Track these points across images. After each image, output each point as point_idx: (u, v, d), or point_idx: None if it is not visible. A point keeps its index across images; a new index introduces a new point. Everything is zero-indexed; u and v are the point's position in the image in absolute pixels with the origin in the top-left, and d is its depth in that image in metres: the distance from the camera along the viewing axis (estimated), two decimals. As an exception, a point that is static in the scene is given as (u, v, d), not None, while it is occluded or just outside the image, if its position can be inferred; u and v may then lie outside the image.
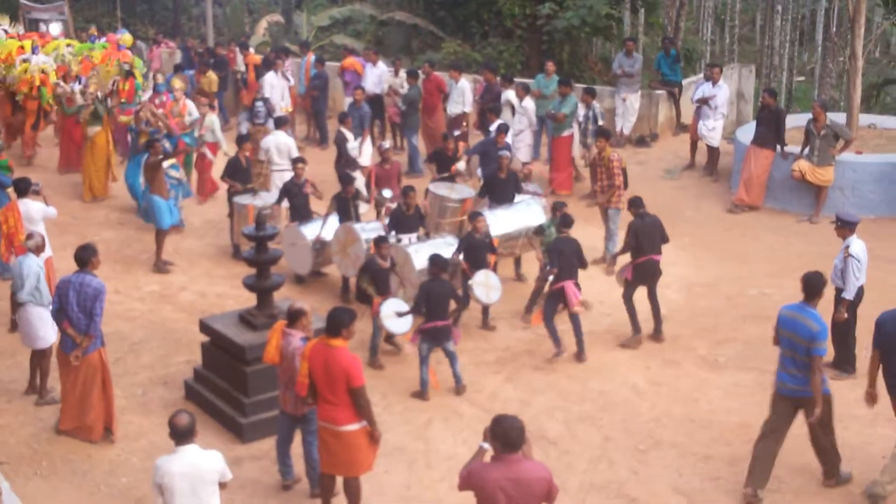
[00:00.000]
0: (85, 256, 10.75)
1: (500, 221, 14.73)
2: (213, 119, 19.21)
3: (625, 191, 15.45)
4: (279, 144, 17.30)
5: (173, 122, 18.58)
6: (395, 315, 12.33)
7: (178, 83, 19.96)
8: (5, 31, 22.14)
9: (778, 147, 17.99)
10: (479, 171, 16.80)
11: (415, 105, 20.71)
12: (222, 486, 7.97)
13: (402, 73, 21.64)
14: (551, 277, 12.81)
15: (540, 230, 14.20)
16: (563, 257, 12.73)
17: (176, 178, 17.07)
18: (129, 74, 20.70)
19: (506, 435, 6.96)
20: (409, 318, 12.42)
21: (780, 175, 17.99)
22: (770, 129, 17.96)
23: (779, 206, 18.12)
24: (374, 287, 12.74)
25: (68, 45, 21.71)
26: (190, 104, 19.22)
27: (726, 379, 12.46)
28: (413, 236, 14.29)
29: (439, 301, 12.01)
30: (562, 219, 13.21)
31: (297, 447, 10.02)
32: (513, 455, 7.00)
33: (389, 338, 13.10)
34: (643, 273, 13.15)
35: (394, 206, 14.82)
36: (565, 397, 12.00)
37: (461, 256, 13.50)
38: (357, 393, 8.88)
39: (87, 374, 10.86)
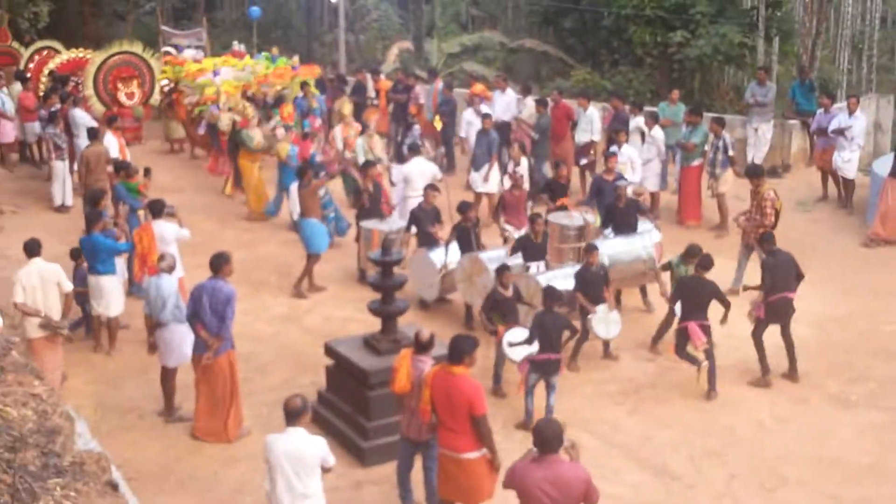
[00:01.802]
0: (218, 263, 11.33)
1: (612, 250, 14.57)
2: (360, 142, 19.59)
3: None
4: (422, 171, 17.37)
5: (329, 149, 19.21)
6: (519, 344, 12.31)
7: (347, 108, 20.54)
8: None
9: (917, 180, 17.49)
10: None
11: (546, 133, 20.68)
12: (326, 470, 8.46)
13: (529, 101, 21.65)
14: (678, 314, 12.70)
15: (668, 266, 13.99)
16: (691, 297, 12.58)
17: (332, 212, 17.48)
18: (282, 100, 21.30)
19: (542, 434, 7.44)
20: (535, 346, 12.39)
21: (918, 209, 17.49)
22: (908, 162, 17.47)
23: (917, 240, 17.59)
24: (499, 316, 12.73)
25: (246, 67, 22.53)
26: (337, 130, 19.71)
27: (857, 418, 12.12)
28: (541, 264, 14.26)
29: (553, 333, 11.96)
30: (701, 260, 12.96)
31: (416, 473, 10.05)
32: (552, 456, 7.42)
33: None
34: (776, 311, 12.84)
35: (518, 234, 14.83)
36: (690, 431, 11.81)
37: (577, 291, 13.37)
38: (479, 421, 8.87)
39: (218, 376, 11.38)
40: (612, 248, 14.64)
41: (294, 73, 22.86)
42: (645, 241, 14.77)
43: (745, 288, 13.70)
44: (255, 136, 19.18)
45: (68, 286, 12.15)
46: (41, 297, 11.85)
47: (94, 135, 18.34)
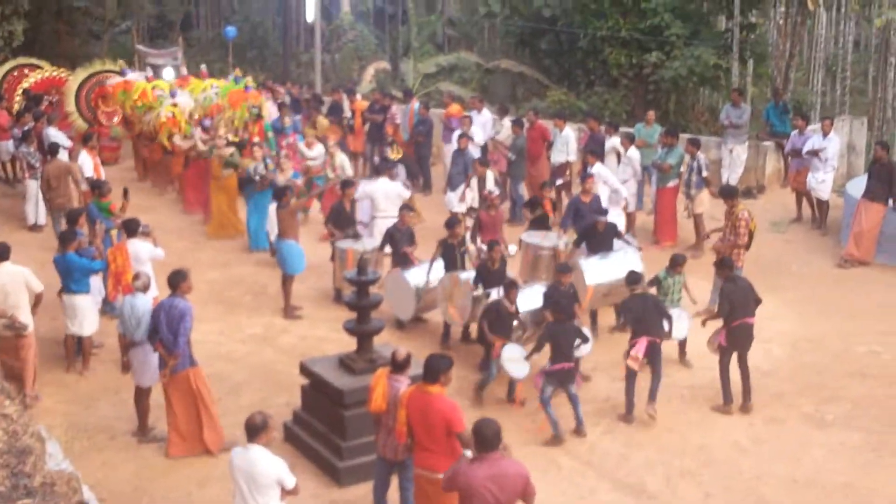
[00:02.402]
0: (175, 281, 11.42)
1: (597, 271, 14.62)
2: (342, 157, 19.58)
3: (746, 252, 15.18)
4: (387, 191, 17.39)
5: (299, 163, 19.02)
6: (518, 359, 12.34)
7: (322, 123, 20.55)
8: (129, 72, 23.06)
9: (890, 201, 17.59)
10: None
11: (522, 154, 20.72)
12: (290, 492, 8.47)
13: (506, 121, 21.72)
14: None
15: (655, 281, 14.00)
16: (645, 314, 12.60)
17: None
18: (258, 117, 21.19)
19: (482, 433, 7.69)
20: (527, 365, 12.53)
21: (891, 230, 17.59)
22: (882, 183, 17.58)
23: (890, 261, 17.66)
24: (496, 330, 12.83)
25: (213, 86, 22.27)
26: (320, 146, 19.65)
27: (832, 438, 12.14)
28: (500, 290, 14.22)
29: (564, 342, 12.08)
30: (629, 276, 13.06)
31: (393, 492, 10.01)
32: (493, 454, 7.69)
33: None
34: (737, 337, 12.78)
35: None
36: (665, 451, 11.81)
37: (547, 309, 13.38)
38: (460, 438, 8.83)
39: (183, 393, 11.44)
40: (599, 267, 14.72)
41: (245, 97, 22.49)
42: (630, 259, 14.78)
43: (702, 320, 13.44)
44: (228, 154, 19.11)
45: (38, 287, 12.68)
46: (13, 300, 12.39)
47: (54, 151, 18.44)
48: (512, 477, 7.72)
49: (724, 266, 13.16)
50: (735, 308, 12.68)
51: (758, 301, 12.96)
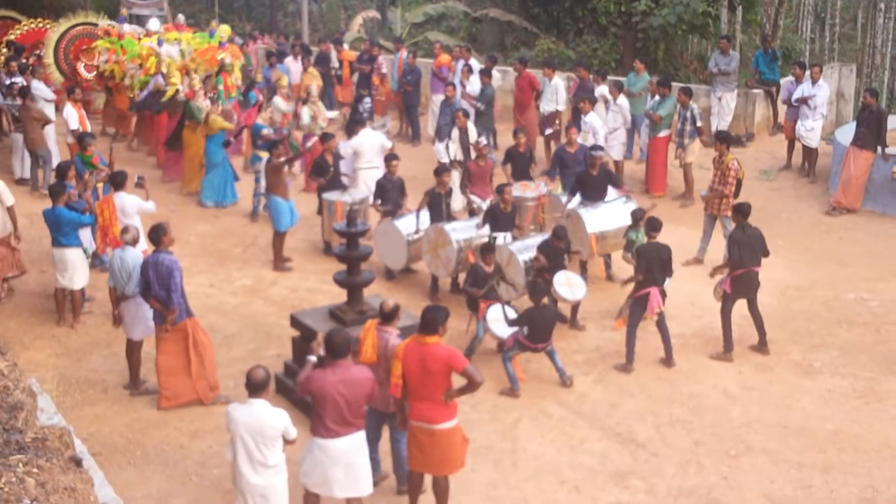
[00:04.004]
0: (156, 236, 11.43)
1: (597, 219, 14.63)
2: (322, 108, 19.46)
3: (734, 200, 15.19)
4: (371, 142, 17.32)
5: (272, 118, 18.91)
6: (503, 320, 12.35)
7: (315, 84, 20.43)
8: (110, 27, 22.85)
9: (878, 148, 17.60)
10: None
11: (491, 104, 20.57)
12: (289, 442, 8.63)
13: (495, 72, 21.62)
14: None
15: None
16: (650, 263, 12.56)
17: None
18: (222, 70, 20.96)
19: (333, 342, 8.60)
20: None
21: (879, 177, 17.64)
22: (870, 130, 17.56)
23: (878, 208, 17.74)
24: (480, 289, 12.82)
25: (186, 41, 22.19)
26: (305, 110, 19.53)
27: (820, 385, 12.22)
28: (507, 235, 14.26)
29: (542, 326, 12.13)
30: (649, 222, 13.00)
31: (384, 443, 10.07)
32: (342, 360, 8.62)
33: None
34: (742, 285, 12.81)
35: (484, 204, 14.86)
36: (655, 400, 11.88)
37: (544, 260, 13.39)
38: (465, 372, 8.86)
39: (180, 345, 11.53)
40: (599, 215, 14.76)
41: (217, 52, 22.28)
42: (629, 207, 14.76)
43: (713, 272, 13.44)
44: (203, 107, 18.78)
45: (10, 200, 14.00)
46: None
47: (24, 94, 18.73)
48: (361, 381, 8.66)
49: (739, 212, 13.06)
50: (742, 256, 12.70)
51: (765, 252, 12.93)
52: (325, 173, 16.26)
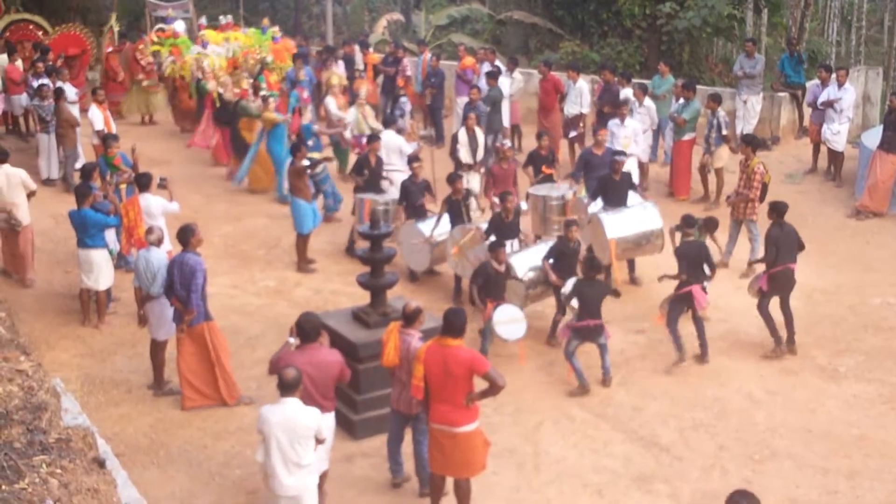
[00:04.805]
0: (184, 237, 11.56)
1: (618, 224, 14.57)
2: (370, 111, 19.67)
3: (759, 204, 15.13)
4: (388, 143, 17.27)
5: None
6: (509, 322, 12.29)
7: (335, 79, 20.90)
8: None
9: (905, 152, 17.47)
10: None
11: (497, 105, 20.48)
12: (319, 441, 8.62)
13: (517, 75, 21.64)
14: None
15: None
16: (691, 261, 12.56)
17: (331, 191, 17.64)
18: (264, 68, 21.27)
19: (303, 327, 9.10)
20: (523, 324, 12.39)
21: (906, 181, 17.49)
22: (897, 134, 17.43)
23: (905, 212, 17.61)
24: (487, 291, 12.71)
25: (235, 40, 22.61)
26: (353, 110, 19.72)
27: (845, 390, 12.15)
28: (514, 242, 14.18)
29: (592, 300, 12.07)
30: (684, 220, 13.06)
31: (407, 445, 10.07)
32: (311, 344, 9.11)
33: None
34: (778, 282, 12.82)
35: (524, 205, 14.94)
36: (679, 404, 11.83)
37: (551, 262, 13.33)
38: (488, 376, 8.88)
39: (198, 347, 11.60)
40: (619, 221, 14.68)
41: (273, 46, 22.77)
42: (650, 213, 14.74)
43: (751, 263, 13.53)
44: (254, 106, 19.10)
45: (32, 185, 14.87)
46: (11, 197, 14.48)
47: (58, 95, 19.05)
48: (330, 363, 9.13)
49: (775, 210, 13.05)
50: (780, 253, 12.72)
51: (801, 247, 12.99)
52: (363, 173, 16.25)
